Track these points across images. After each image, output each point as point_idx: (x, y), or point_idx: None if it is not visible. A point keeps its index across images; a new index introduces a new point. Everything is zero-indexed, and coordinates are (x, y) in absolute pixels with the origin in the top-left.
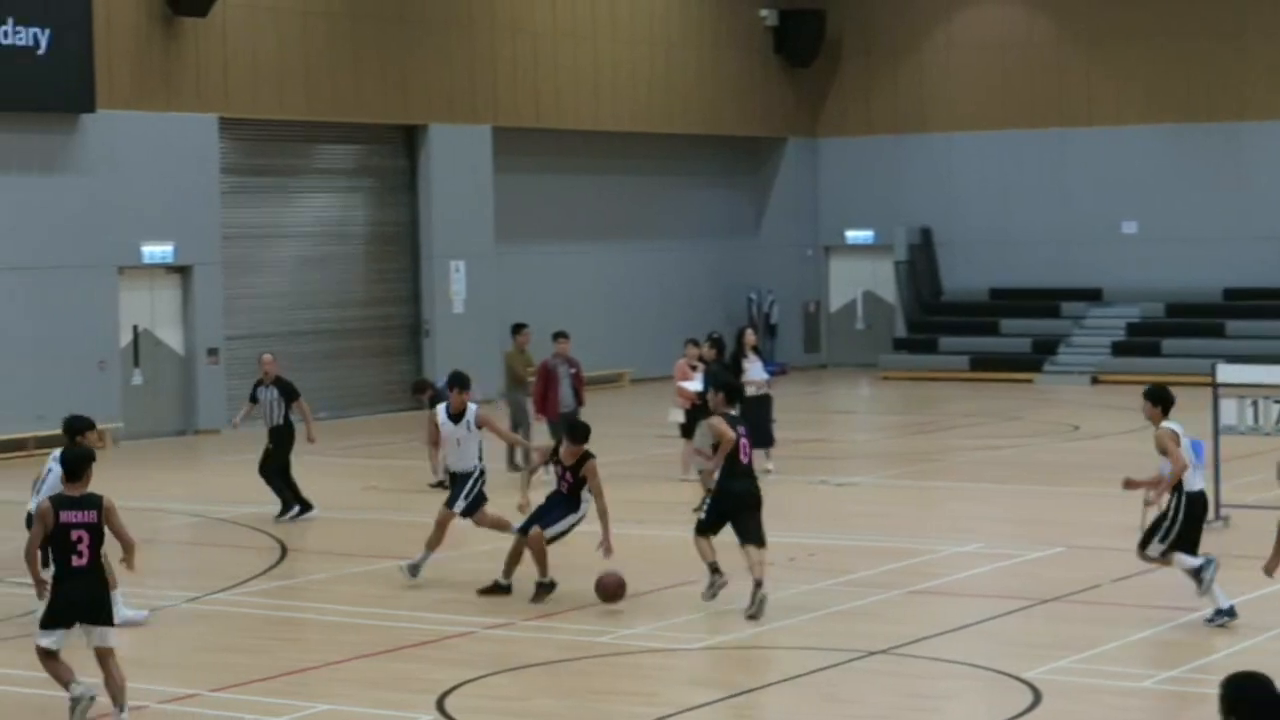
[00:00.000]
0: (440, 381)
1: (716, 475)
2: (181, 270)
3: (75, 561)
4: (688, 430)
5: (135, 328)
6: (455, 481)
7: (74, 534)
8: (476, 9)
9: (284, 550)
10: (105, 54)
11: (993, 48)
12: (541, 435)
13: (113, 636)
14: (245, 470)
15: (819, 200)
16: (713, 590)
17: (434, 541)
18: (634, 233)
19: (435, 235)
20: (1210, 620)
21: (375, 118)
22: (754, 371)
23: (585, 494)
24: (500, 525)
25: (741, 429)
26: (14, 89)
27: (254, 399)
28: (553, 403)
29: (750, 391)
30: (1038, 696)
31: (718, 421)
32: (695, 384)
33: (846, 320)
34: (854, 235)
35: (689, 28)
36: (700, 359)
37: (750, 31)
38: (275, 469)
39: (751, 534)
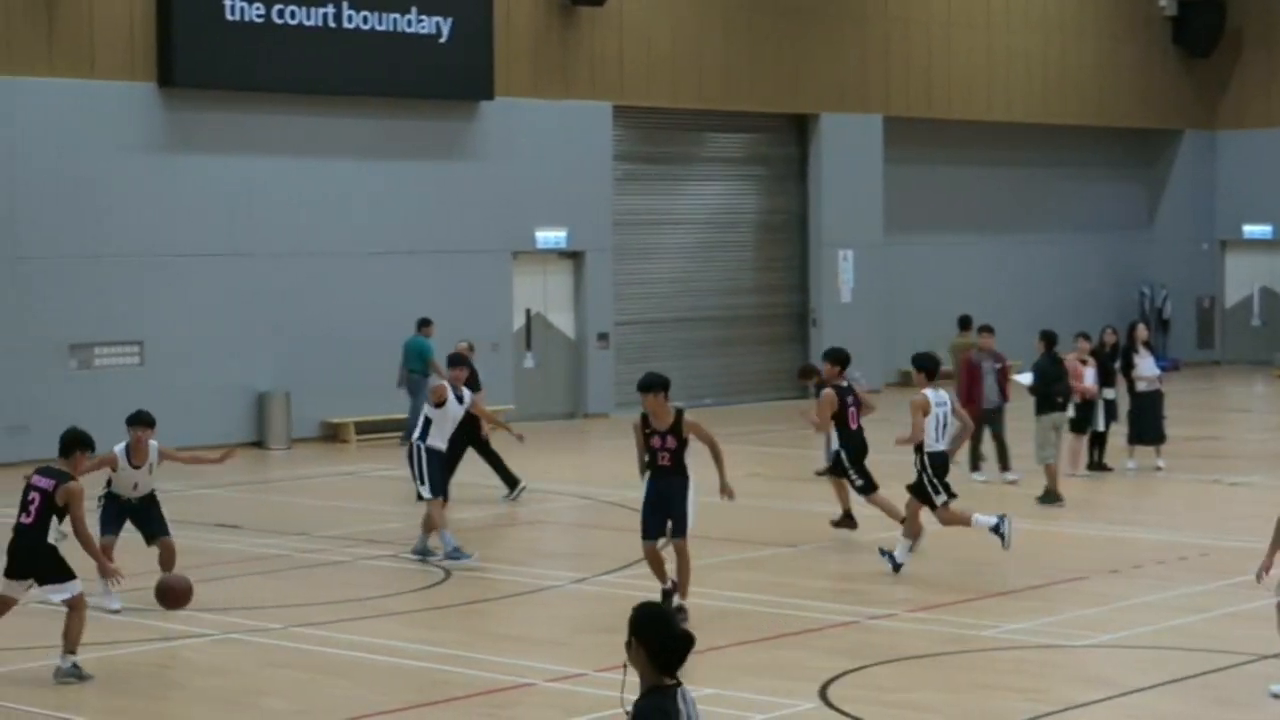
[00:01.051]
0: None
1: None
2: (574, 256)
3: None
4: (1077, 425)
5: (528, 312)
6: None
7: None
8: None
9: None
10: (504, 42)
11: None
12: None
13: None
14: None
15: (1216, 193)
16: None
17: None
18: (1024, 225)
19: (824, 224)
20: None
21: (767, 107)
22: (1145, 367)
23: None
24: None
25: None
26: (416, 77)
27: None
28: (977, 397)
29: (1141, 387)
30: None
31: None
32: (1087, 379)
33: (1242, 316)
34: (1252, 230)
35: (1085, 17)
36: (1091, 353)
37: (1148, 21)
38: (485, 452)
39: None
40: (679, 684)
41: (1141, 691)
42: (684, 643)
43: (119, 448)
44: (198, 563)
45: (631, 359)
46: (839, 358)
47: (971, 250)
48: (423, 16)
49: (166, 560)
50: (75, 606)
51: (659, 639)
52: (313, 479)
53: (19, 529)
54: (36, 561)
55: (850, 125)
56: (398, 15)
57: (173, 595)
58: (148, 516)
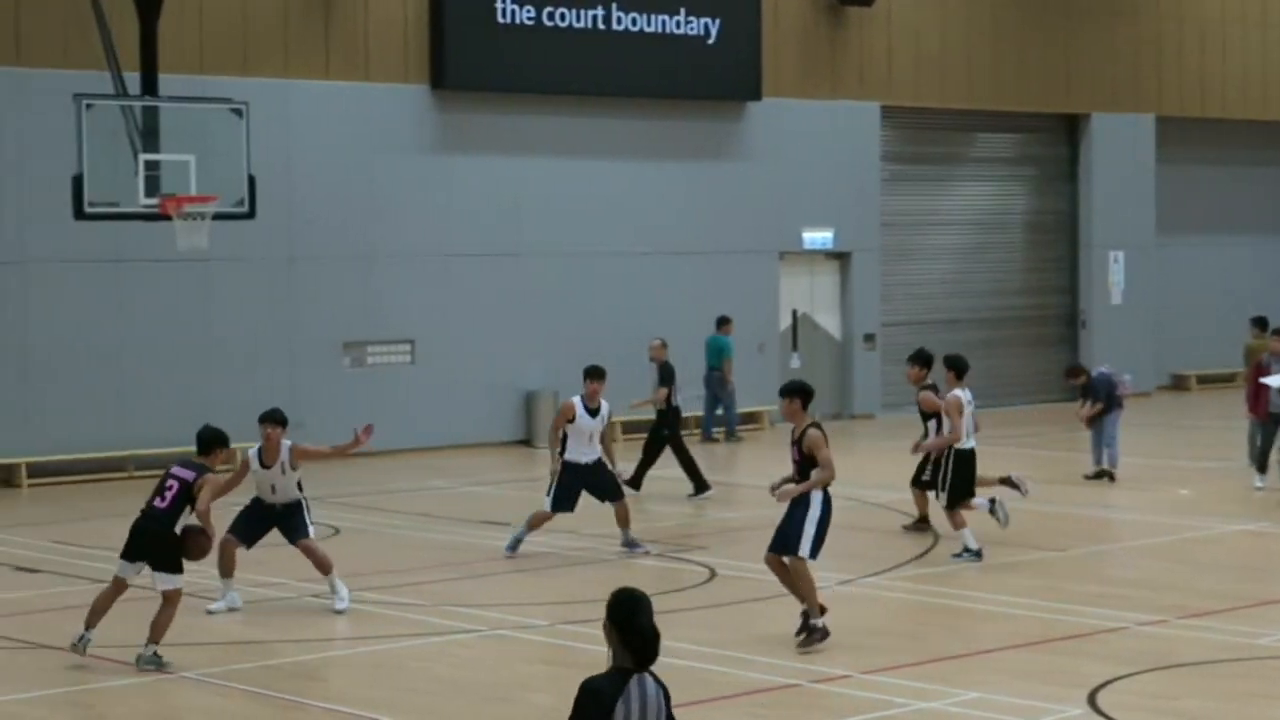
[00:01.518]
0: (1098, 370)
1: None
2: (840, 256)
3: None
4: None
5: (794, 312)
6: None
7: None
8: None
9: (936, 537)
10: (772, 43)
11: None
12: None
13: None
14: (899, 456)
15: None
16: None
17: None
18: None
19: (1095, 225)
20: None
21: (1036, 106)
22: None
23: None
24: None
25: None
26: (684, 78)
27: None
28: (1263, 402)
29: None
30: None
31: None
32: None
33: None
34: None
35: None
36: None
37: None
38: (675, 448)
39: None
40: (644, 672)
41: None
42: (642, 636)
43: (251, 450)
44: (466, 559)
45: (898, 360)
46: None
47: (1246, 252)
48: (691, 17)
49: (315, 562)
50: (171, 600)
51: (622, 627)
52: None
53: (150, 511)
54: (158, 546)
55: (1122, 125)
56: (666, 16)
57: (195, 548)
58: (289, 524)
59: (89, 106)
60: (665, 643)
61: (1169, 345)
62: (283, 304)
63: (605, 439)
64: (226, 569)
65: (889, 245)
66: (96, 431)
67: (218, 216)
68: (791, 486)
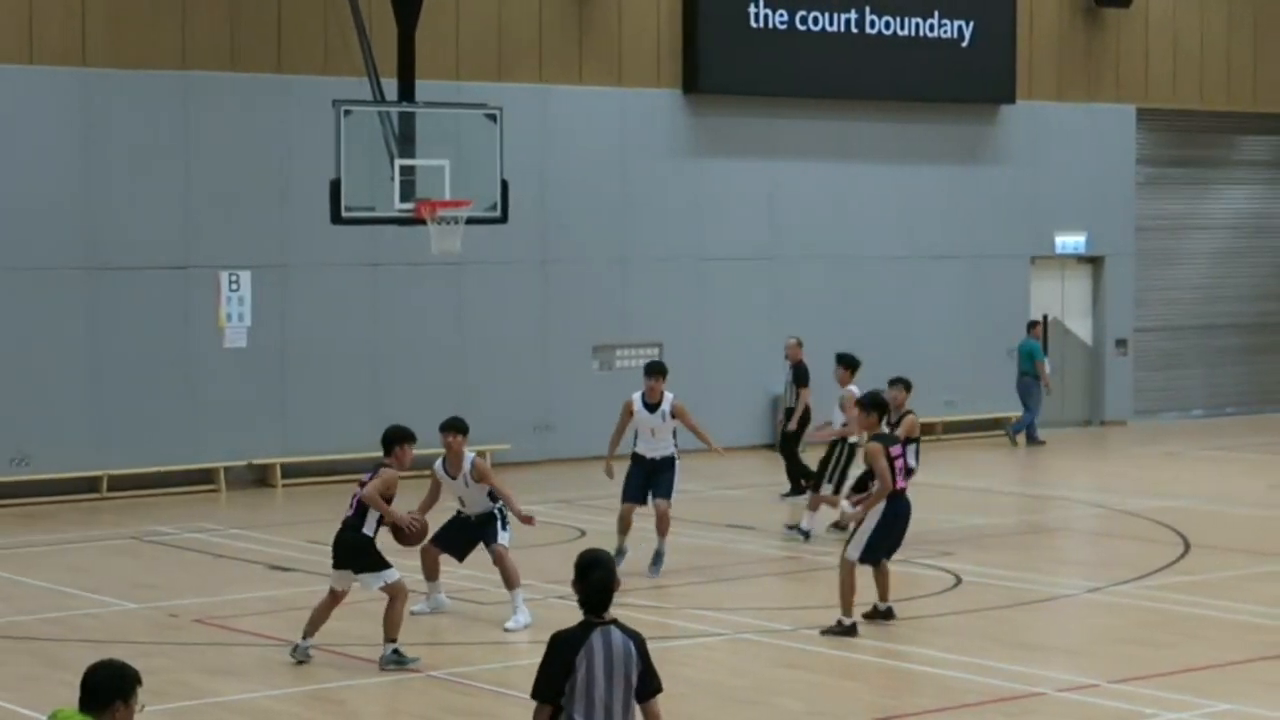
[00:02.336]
0: None
1: None
2: (1093, 260)
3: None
4: None
5: (1044, 316)
6: None
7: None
8: None
9: (1187, 545)
10: (1027, 45)
11: None
12: None
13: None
14: (1151, 463)
15: None
16: None
17: None
18: None
19: None
20: None
21: None
22: None
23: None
24: None
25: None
26: (938, 80)
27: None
28: None
29: None
30: None
31: None
32: None
33: None
34: None
35: None
36: None
37: None
38: (787, 449)
39: None
40: (608, 623)
41: None
42: (595, 589)
43: (437, 462)
44: (712, 563)
45: (1152, 366)
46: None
47: None
48: (945, 20)
49: (504, 571)
50: (393, 594)
51: (579, 581)
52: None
53: (344, 521)
54: (353, 552)
55: None
56: (920, 19)
57: (405, 539)
58: (481, 532)
59: (348, 113)
60: (910, 648)
61: None
62: (534, 307)
63: (695, 425)
64: (429, 572)
65: (1144, 249)
66: (351, 432)
67: (471, 221)
68: (857, 510)
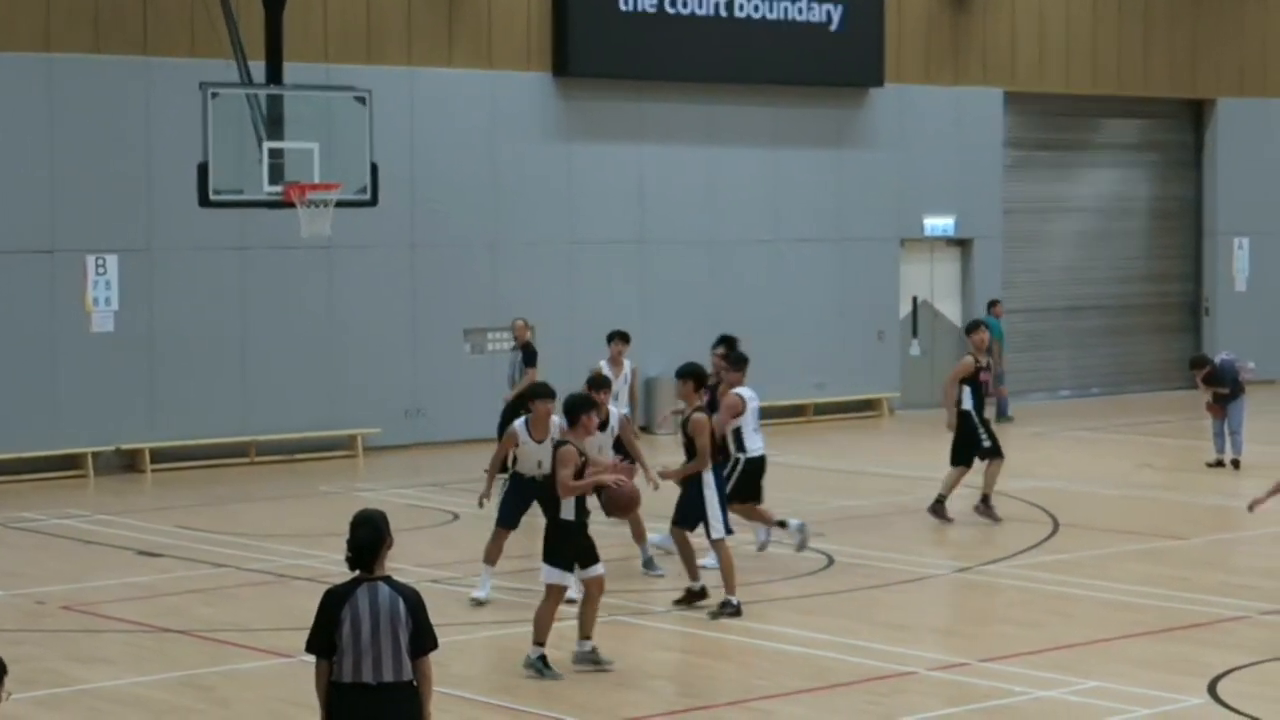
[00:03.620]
0: (1221, 357)
1: None
2: (961, 243)
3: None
4: None
5: (914, 299)
6: None
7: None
8: None
9: (1055, 525)
10: (895, 29)
11: None
12: None
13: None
14: (1021, 443)
15: None
16: None
17: None
18: None
19: (1219, 212)
20: None
21: (1161, 92)
22: None
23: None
24: None
25: None
26: (807, 63)
27: (511, 364)
28: None
29: None
30: None
31: None
32: None
33: None
34: None
35: None
36: None
37: None
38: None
39: None
40: (378, 579)
41: None
42: (356, 546)
43: (519, 423)
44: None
45: (1020, 347)
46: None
47: None
48: (813, 4)
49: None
50: (548, 594)
51: (349, 540)
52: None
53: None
54: (546, 539)
55: (1249, 110)
56: (789, 3)
57: (618, 505)
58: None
59: (214, 95)
60: (781, 629)
61: None
62: (404, 290)
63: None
64: (491, 557)
65: (1011, 232)
66: (220, 417)
67: (341, 204)
68: (674, 470)
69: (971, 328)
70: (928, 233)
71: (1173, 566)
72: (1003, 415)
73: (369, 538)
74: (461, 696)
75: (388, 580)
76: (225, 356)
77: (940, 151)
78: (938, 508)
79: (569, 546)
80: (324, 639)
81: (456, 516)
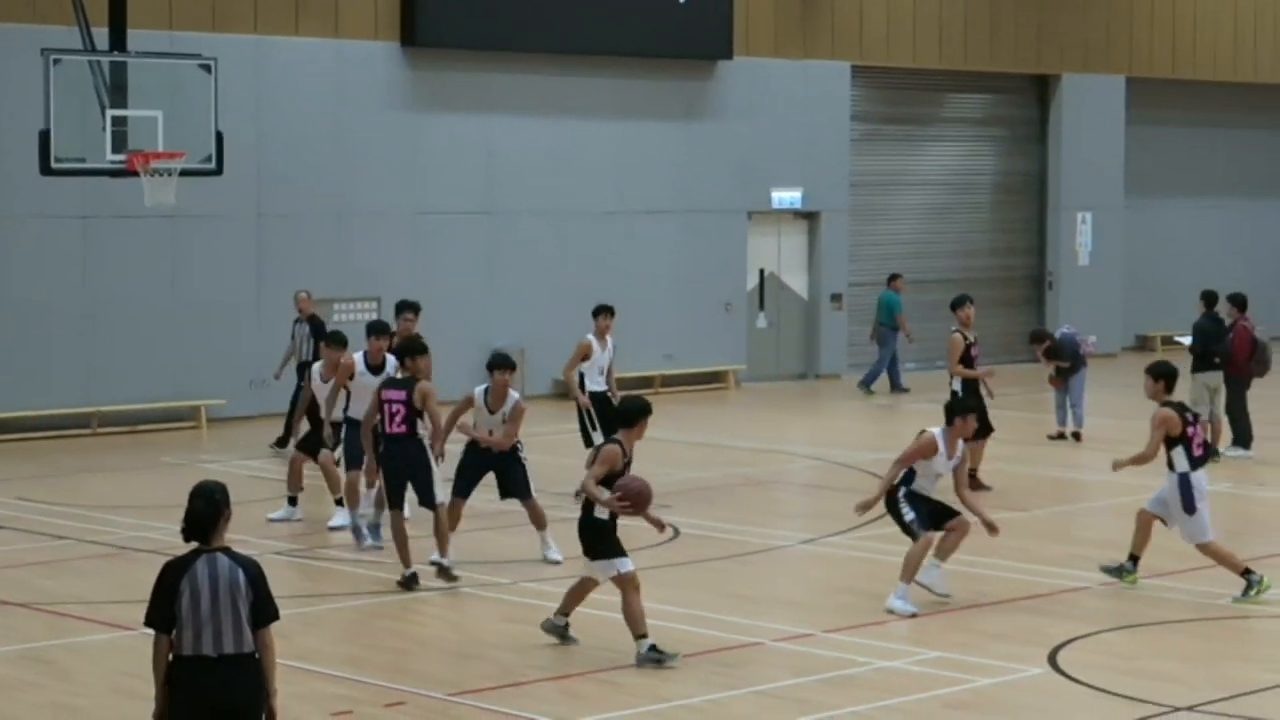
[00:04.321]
0: (1062, 330)
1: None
2: (809, 216)
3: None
4: None
5: (761, 272)
6: None
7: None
8: None
9: None
10: (744, 2)
11: None
12: None
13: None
14: (866, 415)
15: None
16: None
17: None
18: (1272, 189)
19: (1063, 187)
20: None
21: (1007, 67)
22: None
23: None
24: None
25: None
26: (655, 36)
27: (293, 336)
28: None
29: None
30: None
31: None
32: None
33: None
34: None
35: None
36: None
37: None
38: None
39: None
40: (216, 550)
41: None
42: (190, 518)
43: (479, 389)
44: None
45: (866, 320)
46: None
47: (1216, 214)
48: None
49: (535, 517)
50: (620, 585)
51: (186, 511)
52: (546, 435)
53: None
54: (582, 536)
55: (1092, 86)
56: None
57: (638, 499)
58: (510, 477)
59: (56, 62)
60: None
61: (1135, 307)
62: (250, 260)
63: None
64: (449, 527)
65: (857, 205)
66: (62, 388)
67: (185, 173)
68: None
69: (957, 303)
70: (775, 205)
71: (1014, 538)
72: (896, 387)
73: (206, 510)
74: (305, 669)
75: (227, 551)
76: (68, 326)
77: (788, 125)
78: (974, 481)
79: (608, 541)
80: (163, 612)
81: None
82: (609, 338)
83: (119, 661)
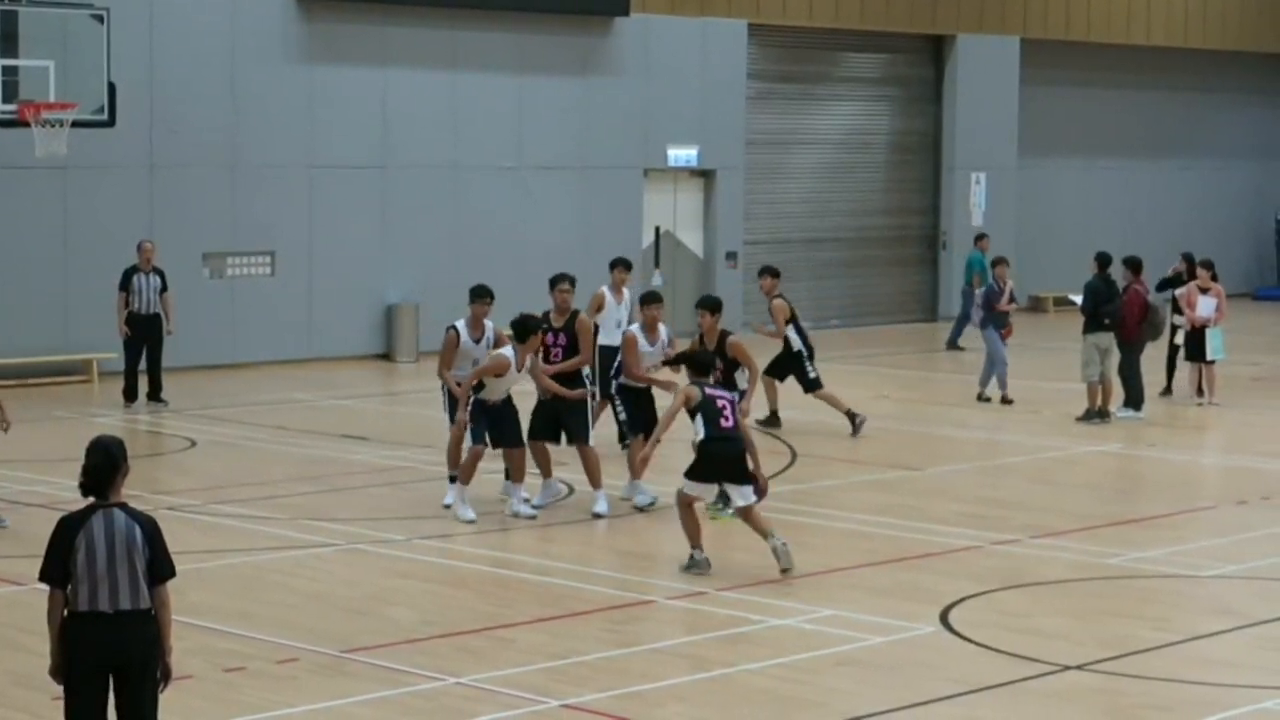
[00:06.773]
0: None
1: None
2: (705, 174)
3: None
4: (1191, 353)
5: (657, 229)
6: None
7: None
8: None
9: (793, 455)
10: None
11: None
12: None
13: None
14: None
15: None
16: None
17: None
18: (1163, 151)
19: (958, 147)
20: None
21: (903, 27)
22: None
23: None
24: None
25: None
26: None
27: (124, 287)
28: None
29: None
30: None
31: None
32: (1201, 308)
33: None
34: None
35: None
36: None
37: None
38: (150, 356)
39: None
40: (113, 506)
41: (1270, 623)
42: (87, 473)
43: (460, 321)
44: (324, 472)
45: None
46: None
47: (1108, 175)
48: None
49: (514, 467)
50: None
51: (83, 466)
52: (439, 392)
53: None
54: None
55: (987, 47)
56: None
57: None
58: (503, 425)
59: None
60: (520, 557)
61: (1028, 268)
62: (142, 213)
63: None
64: (466, 475)
65: (753, 164)
66: None
67: (77, 124)
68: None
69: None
70: (671, 163)
71: (906, 496)
72: (954, 345)
73: (103, 463)
74: (199, 625)
75: (124, 507)
76: None
77: (684, 82)
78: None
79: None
80: (57, 567)
81: (194, 443)
82: (625, 291)
83: (12, 616)
